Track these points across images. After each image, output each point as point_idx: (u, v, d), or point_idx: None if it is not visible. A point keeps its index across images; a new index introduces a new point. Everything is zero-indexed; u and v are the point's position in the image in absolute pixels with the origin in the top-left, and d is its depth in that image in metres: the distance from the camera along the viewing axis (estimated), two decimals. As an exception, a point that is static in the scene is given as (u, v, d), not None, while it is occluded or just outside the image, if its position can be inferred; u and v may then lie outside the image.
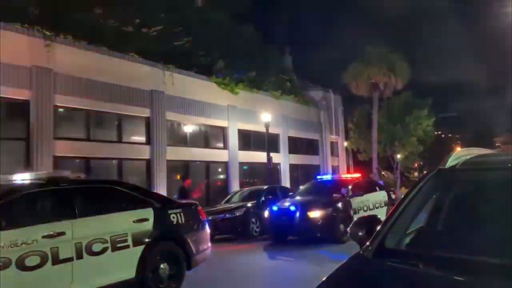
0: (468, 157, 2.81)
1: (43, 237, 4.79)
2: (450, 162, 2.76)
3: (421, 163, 51.02)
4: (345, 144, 33.19)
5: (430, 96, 33.83)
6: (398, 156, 33.89)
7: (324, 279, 2.14)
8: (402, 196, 2.76)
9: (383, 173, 36.51)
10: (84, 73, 14.63)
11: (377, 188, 13.61)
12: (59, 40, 14.29)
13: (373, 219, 2.76)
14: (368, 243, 2.41)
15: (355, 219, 11.39)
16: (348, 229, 2.77)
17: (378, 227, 2.53)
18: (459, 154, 2.84)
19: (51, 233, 4.86)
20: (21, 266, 4.57)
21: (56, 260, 4.85)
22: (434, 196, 2.78)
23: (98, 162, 15.46)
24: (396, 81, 28.82)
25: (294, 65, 30.18)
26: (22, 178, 5.71)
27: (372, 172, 28.80)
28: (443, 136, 58.76)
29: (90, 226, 5.25)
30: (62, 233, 4.94)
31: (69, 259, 4.97)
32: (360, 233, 2.63)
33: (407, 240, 2.57)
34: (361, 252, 2.41)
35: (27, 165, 12.92)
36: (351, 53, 29.60)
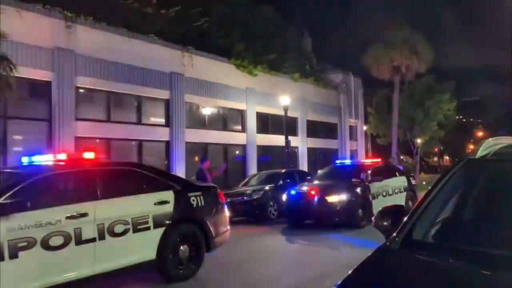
0: (499, 146, 2.71)
1: (67, 217, 4.88)
2: (481, 151, 2.68)
3: (441, 148, 50.29)
4: (364, 128, 32.84)
5: (453, 80, 33.15)
6: (418, 140, 33.43)
7: (352, 270, 2.11)
8: (430, 186, 2.69)
9: (402, 157, 36.12)
10: (104, 54, 14.72)
11: (397, 173, 13.43)
12: (80, 22, 14.36)
13: (399, 209, 2.71)
14: (395, 234, 2.37)
15: (374, 204, 11.31)
16: (372, 218, 2.72)
17: (405, 218, 2.48)
18: (490, 144, 2.74)
19: (75, 214, 4.95)
20: (46, 245, 4.67)
21: (79, 241, 4.95)
22: (463, 187, 2.71)
23: (118, 143, 15.65)
24: (419, 64, 28.16)
25: (314, 48, 29.78)
26: (45, 159, 5.81)
27: (391, 157, 28.49)
28: (464, 120, 57.70)
29: (112, 208, 5.33)
30: (85, 214, 5.02)
31: (92, 240, 5.06)
32: (385, 223, 2.58)
33: (433, 231, 2.52)
34: (387, 243, 2.37)
35: (50, 146, 13.17)
36: (372, 35, 29.01)
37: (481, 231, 2.43)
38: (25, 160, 5.89)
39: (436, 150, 49.10)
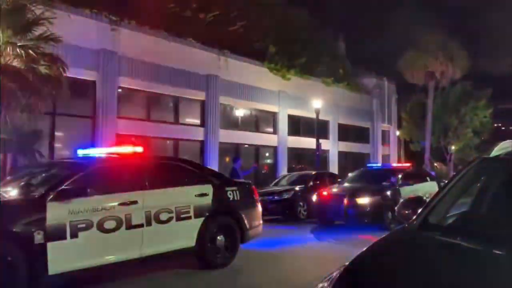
0: None
1: (119, 204, 5.44)
2: (495, 152, 3.00)
3: (477, 156, 48.96)
4: (397, 133, 32.62)
5: (490, 86, 32.45)
6: (452, 147, 32.90)
7: (370, 245, 2.48)
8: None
9: (435, 164, 35.60)
10: (146, 56, 15.46)
11: (428, 179, 13.52)
12: (124, 25, 15.16)
13: (419, 200, 3.07)
14: (413, 218, 2.73)
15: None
16: (395, 208, 3.08)
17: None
18: (505, 145, 3.05)
19: (126, 201, 5.50)
20: (101, 228, 5.24)
21: (129, 225, 5.49)
22: (477, 183, 3.03)
23: (156, 141, 16.36)
24: (454, 70, 27.90)
25: (348, 52, 29.85)
26: (98, 152, 6.44)
27: (424, 163, 28.23)
28: (503, 128, 55.98)
29: (158, 197, 5.87)
30: (135, 202, 5.57)
31: (140, 225, 5.60)
32: (406, 212, 2.94)
33: (450, 220, 2.86)
34: (406, 225, 2.73)
35: (92, 142, 13.97)
36: (407, 40, 28.82)
37: (494, 220, 2.74)
38: (80, 152, 6.52)
39: (473, 158, 47.85)
